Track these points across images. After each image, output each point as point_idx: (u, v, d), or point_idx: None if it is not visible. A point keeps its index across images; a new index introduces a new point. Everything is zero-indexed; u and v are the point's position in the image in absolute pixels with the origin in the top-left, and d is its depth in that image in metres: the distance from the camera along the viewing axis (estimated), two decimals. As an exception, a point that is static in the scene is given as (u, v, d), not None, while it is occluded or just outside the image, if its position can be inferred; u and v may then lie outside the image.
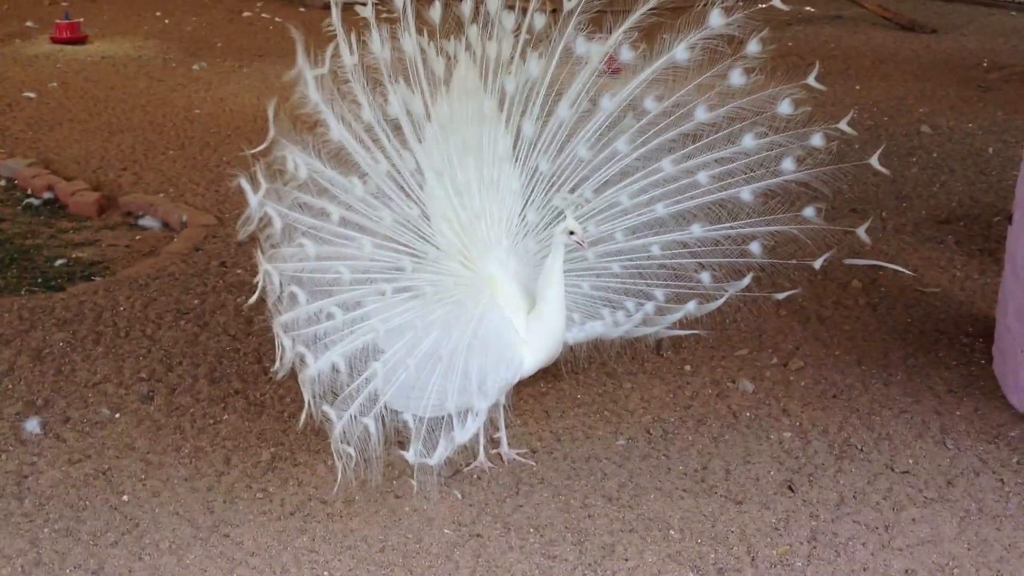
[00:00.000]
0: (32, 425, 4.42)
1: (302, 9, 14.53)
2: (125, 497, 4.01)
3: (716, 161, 4.19)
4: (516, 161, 4.18)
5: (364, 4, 3.89)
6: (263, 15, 13.88)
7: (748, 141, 4.18)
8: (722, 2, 3.96)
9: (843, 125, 4.27)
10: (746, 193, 4.23)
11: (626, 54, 4.12)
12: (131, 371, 4.89)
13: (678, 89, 4.16)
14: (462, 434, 3.90)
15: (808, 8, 15.84)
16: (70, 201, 7.02)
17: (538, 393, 4.74)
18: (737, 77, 4.13)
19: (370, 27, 3.93)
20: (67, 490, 4.04)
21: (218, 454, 4.29)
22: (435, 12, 4.09)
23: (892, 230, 6.86)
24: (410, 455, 3.82)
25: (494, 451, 4.27)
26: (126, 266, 6.14)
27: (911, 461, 4.34)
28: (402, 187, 4.02)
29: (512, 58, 4.10)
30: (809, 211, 4.29)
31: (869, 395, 4.84)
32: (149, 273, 5.91)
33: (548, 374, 4.68)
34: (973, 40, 13.72)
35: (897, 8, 15.34)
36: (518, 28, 4.09)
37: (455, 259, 4.06)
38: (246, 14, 13.89)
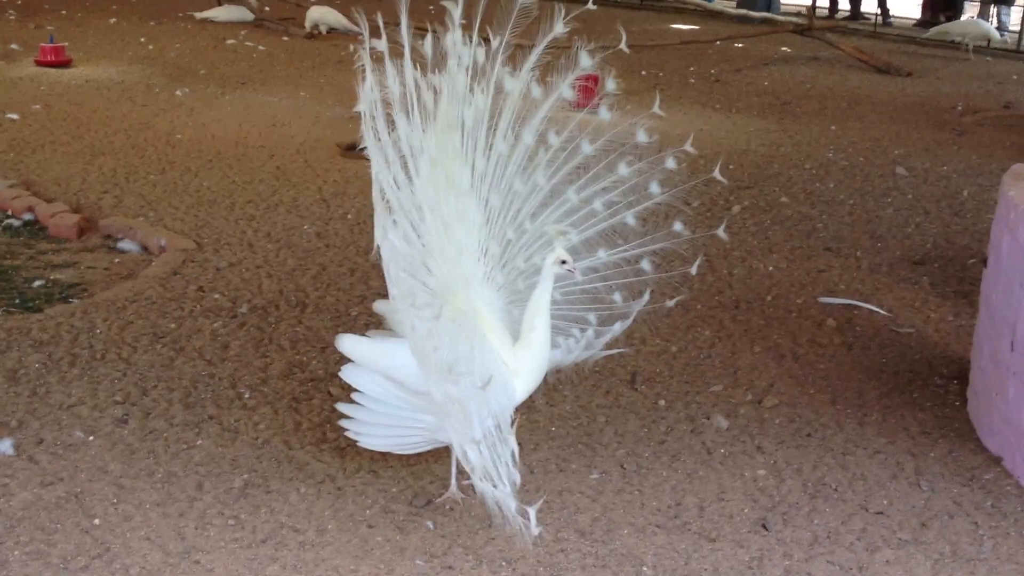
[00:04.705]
0: (5, 446, 4.38)
1: (286, 38, 14.61)
2: (97, 521, 3.98)
3: (603, 189, 4.35)
4: (475, 194, 4.24)
5: (360, 34, 3.92)
6: (247, 43, 13.94)
7: (623, 169, 4.31)
8: (586, 47, 4.14)
9: (687, 147, 4.41)
10: (630, 217, 4.36)
11: (535, 90, 4.23)
12: (106, 394, 4.86)
13: (568, 124, 4.34)
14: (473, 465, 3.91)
15: (784, 49, 16.04)
16: (50, 223, 6.99)
17: (513, 425, 4.75)
18: (604, 112, 4.32)
19: (384, 61, 3.97)
20: (38, 512, 4.01)
21: (191, 479, 4.27)
22: (427, 46, 4.13)
23: (867, 270, 6.92)
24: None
25: (466, 482, 4.26)
26: (104, 289, 6.12)
27: (885, 502, 4.36)
28: (413, 225, 4.06)
29: (466, 92, 4.17)
30: (678, 225, 4.41)
31: (844, 434, 4.86)
32: (127, 296, 5.89)
33: (522, 405, 4.68)
34: (948, 84, 13.91)
35: (873, 51, 15.55)
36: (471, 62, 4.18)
37: (449, 295, 4.08)
38: (230, 41, 13.93)
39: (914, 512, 4.29)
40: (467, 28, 4.09)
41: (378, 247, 3.77)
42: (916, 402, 5.19)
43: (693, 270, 4.59)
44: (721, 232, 4.57)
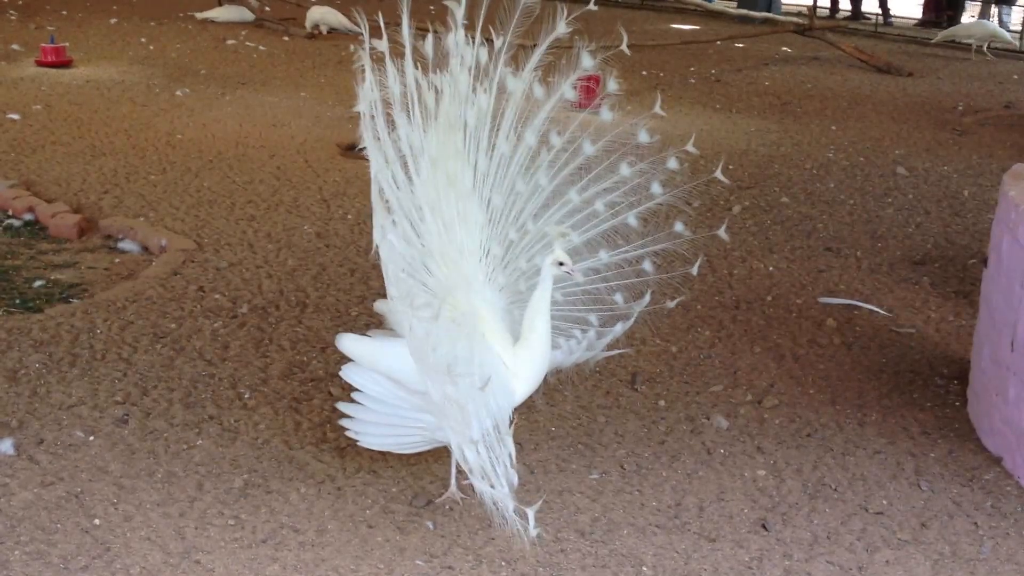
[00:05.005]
0: (5, 446, 4.38)
1: (286, 38, 14.61)
2: (97, 521, 3.98)
3: (605, 190, 4.37)
4: (477, 194, 4.24)
5: (360, 34, 3.92)
6: (247, 43, 13.94)
7: (624, 170, 4.32)
8: (587, 47, 4.16)
9: (689, 147, 4.43)
10: (632, 218, 4.36)
11: (538, 90, 4.24)
12: (106, 394, 4.87)
13: (570, 124, 4.36)
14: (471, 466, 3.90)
15: (785, 48, 16.04)
16: (50, 223, 6.99)
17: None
18: (605, 113, 4.35)
19: (385, 61, 3.97)
20: (39, 512, 4.01)
21: (191, 479, 4.27)
22: (428, 46, 4.14)
23: (867, 270, 6.92)
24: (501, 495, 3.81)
25: (466, 482, 4.26)
26: (104, 289, 6.12)
27: (885, 502, 4.36)
28: (413, 225, 4.05)
29: (469, 92, 4.17)
30: (679, 226, 4.42)
31: (843, 435, 4.86)
32: (127, 296, 5.89)
33: (522, 406, 4.68)
34: (949, 84, 13.91)
35: (874, 51, 15.55)
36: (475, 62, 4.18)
37: (449, 295, 4.08)
38: (230, 42, 13.93)
39: (914, 512, 4.29)
40: (470, 28, 4.09)
41: (377, 247, 3.77)
42: (916, 402, 5.19)
43: (694, 271, 4.60)
44: (722, 233, 4.57)
